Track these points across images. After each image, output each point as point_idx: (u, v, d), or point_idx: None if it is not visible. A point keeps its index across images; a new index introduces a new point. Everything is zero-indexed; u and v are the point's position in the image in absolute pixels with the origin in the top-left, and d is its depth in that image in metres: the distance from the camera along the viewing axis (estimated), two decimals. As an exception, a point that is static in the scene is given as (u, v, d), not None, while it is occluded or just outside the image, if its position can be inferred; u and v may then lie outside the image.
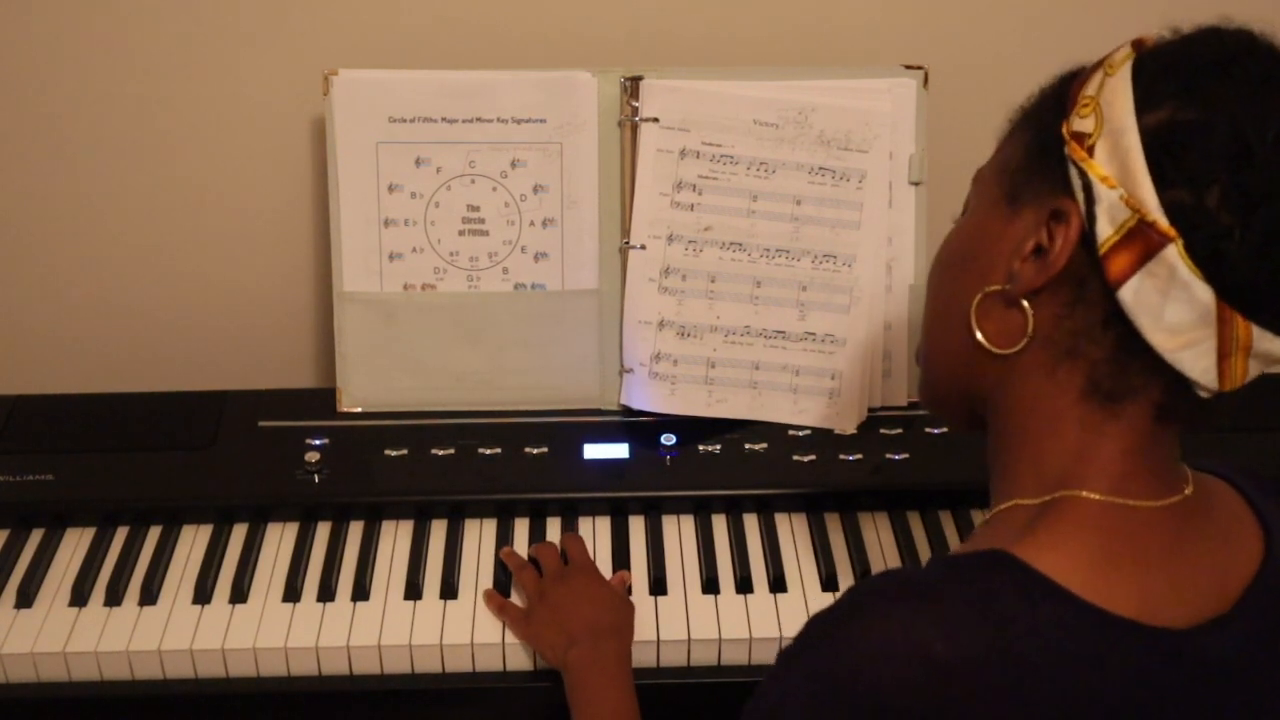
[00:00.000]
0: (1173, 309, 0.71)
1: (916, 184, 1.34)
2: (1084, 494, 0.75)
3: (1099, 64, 0.76)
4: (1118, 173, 0.71)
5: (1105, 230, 0.71)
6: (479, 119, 1.32)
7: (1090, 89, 0.74)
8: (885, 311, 1.33)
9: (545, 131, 1.33)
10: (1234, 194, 0.69)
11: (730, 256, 1.33)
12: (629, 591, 1.21)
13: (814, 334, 1.34)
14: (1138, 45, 0.75)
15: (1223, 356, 0.72)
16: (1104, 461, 0.76)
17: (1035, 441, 0.78)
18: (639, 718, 1.06)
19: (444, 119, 1.32)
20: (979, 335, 0.79)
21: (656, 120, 1.31)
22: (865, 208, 1.32)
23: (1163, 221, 0.70)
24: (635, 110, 1.32)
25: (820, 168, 1.32)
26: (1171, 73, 0.71)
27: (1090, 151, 0.72)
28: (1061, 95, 0.77)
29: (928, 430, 1.33)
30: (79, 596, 1.21)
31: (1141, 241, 0.70)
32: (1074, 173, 0.73)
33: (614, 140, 1.33)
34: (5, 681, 1.16)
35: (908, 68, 1.33)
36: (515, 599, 1.21)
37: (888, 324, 1.34)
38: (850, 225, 1.33)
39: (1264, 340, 0.72)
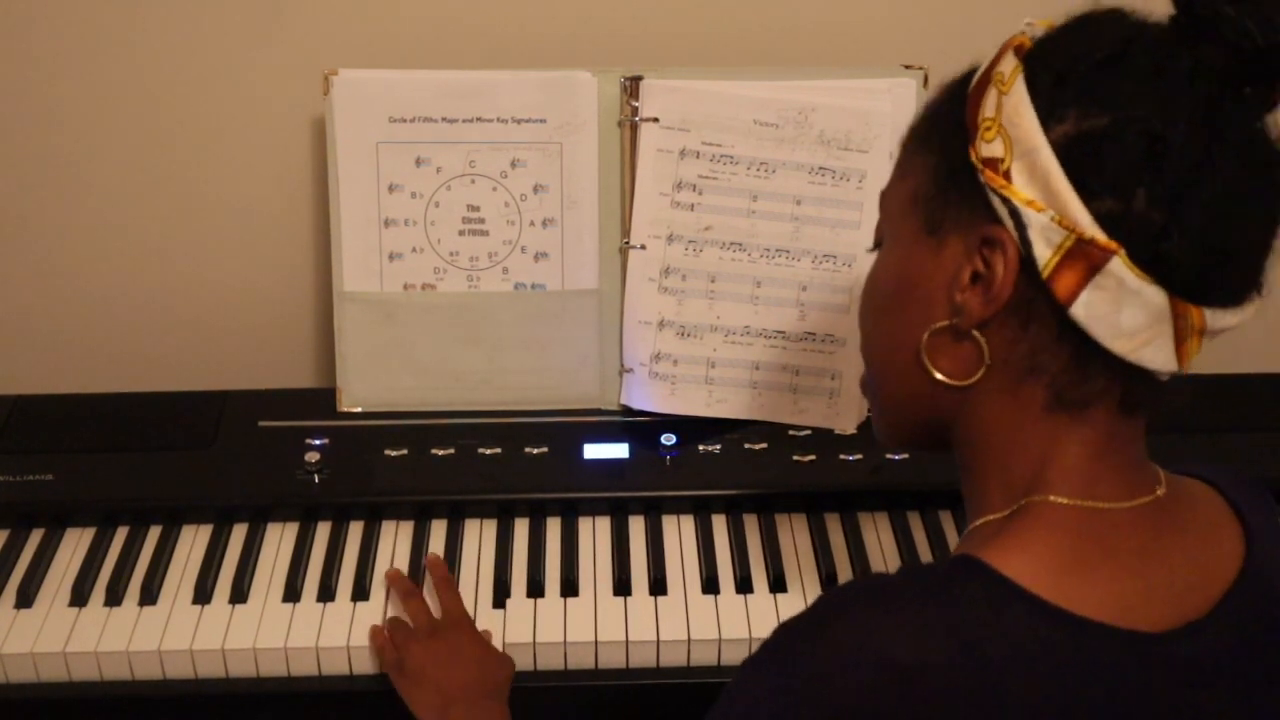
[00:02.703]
0: (1127, 314, 0.70)
1: (916, 184, 1.34)
2: (1051, 498, 0.75)
3: (986, 80, 0.74)
4: (1041, 194, 0.70)
5: (1044, 254, 0.70)
6: (479, 119, 1.32)
7: (988, 110, 0.72)
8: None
9: (545, 131, 1.33)
10: (1159, 191, 0.68)
11: (730, 256, 1.33)
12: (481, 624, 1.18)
13: (814, 334, 1.34)
14: (1020, 51, 0.73)
15: (1180, 342, 0.72)
16: (1070, 466, 0.75)
17: (1001, 457, 0.77)
18: None
19: (444, 119, 1.32)
20: (936, 374, 0.77)
21: (656, 120, 1.31)
22: (865, 208, 1.32)
23: (1101, 237, 0.69)
24: (635, 110, 1.31)
25: (820, 168, 1.32)
26: (1066, 80, 0.70)
27: (1007, 176, 0.71)
28: (957, 117, 0.75)
29: (928, 430, 1.33)
30: (79, 596, 1.21)
31: (1083, 259, 0.69)
32: (996, 200, 0.71)
33: (614, 140, 1.33)
34: (5, 682, 1.16)
35: (908, 68, 1.33)
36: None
37: (888, 324, 1.34)
38: (850, 225, 1.33)
39: (1216, 318, 0.72)
